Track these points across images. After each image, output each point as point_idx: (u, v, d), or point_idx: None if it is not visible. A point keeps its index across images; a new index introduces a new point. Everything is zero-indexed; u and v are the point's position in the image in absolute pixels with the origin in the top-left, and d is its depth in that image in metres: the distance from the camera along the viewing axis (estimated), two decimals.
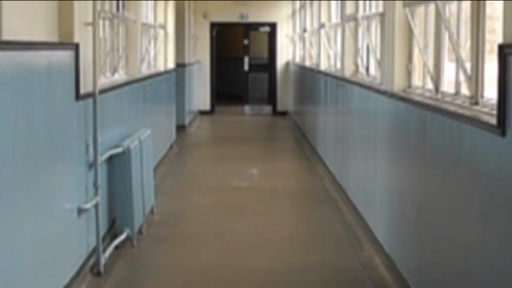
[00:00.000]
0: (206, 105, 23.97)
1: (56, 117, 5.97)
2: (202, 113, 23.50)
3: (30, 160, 5.28)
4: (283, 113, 23.17)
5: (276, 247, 8.19)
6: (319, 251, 8.02)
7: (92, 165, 7.03)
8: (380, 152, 7.49)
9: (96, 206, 7.08)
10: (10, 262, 4.83)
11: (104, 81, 8.36)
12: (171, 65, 16.29)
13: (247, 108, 23.93)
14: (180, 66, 18.23)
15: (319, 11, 14.13)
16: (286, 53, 23.52)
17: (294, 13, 21.83)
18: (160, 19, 14.54)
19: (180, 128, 17.92)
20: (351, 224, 8.84)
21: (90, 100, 6.94)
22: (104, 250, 7.31)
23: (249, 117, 23.16)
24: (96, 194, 7.07)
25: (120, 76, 9.82)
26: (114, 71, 9.42)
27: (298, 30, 20.14)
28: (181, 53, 18.66)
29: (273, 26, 23.64)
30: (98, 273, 6.95)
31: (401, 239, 6.53)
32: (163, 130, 14.03)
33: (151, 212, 9.55)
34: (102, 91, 7.43)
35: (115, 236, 7.95)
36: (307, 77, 16.59)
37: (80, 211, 6.64)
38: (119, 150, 8.03)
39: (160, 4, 14.80)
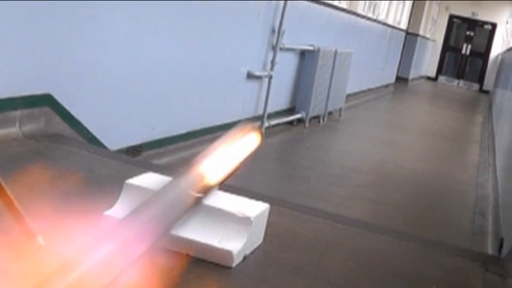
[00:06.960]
0: (433, 73, 21.61)
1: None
2: (428, 78, 21.21)
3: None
4: (486, 92, 20.37)
5: (422, 158, 7.14)
6: (452, 168, 6.92)
7: (274, 47, 5.72)
8: None
9: (269, 78, 5.78)
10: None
11: None
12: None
13: (461, 83, 21.33)
14: (413, 35, 16.20)
15: None
16: (500, 47, 20.52)
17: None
18: None
19: (403, 79, 16.16)
20: (486, 157, 7.04)
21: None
22: (271, 118, 6.01)
23: (462, 90, 20.73)
24: (272, 69, 5.73)
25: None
26: None
27: None
28: (416, 25, 16.52)
29: (493, 25, 20.64)
30: None
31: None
32: (379, 69, 12.27)
33: (339, 113, 8.13)
34: None
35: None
36: (504, 65, 13.97)
37: (249, 76, 5.37)
38: (310, 48, 6.64)
39: None
